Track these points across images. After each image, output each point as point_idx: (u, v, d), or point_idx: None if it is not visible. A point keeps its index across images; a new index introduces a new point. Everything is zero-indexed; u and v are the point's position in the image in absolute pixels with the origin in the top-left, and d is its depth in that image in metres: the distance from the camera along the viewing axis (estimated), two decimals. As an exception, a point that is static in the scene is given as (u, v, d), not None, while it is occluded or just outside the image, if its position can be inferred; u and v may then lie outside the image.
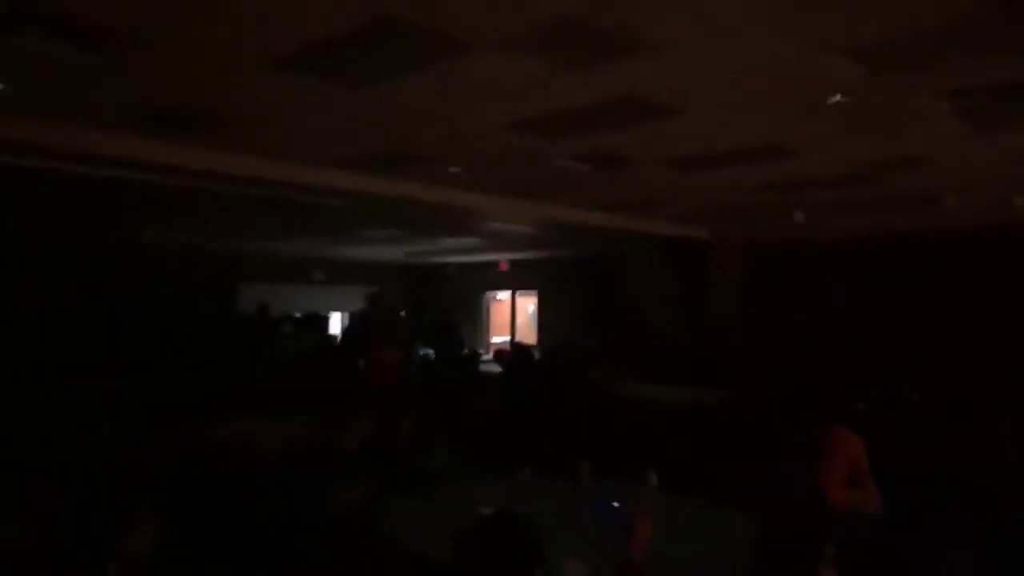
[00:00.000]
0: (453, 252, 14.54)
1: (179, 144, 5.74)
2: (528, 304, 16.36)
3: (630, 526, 1.95)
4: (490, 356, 12.94)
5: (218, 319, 11.66)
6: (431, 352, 11.58)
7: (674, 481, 3.83)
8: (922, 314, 9.91)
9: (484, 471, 3.87)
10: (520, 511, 1.85)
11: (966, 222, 8.47)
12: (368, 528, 2.75)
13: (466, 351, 11.76)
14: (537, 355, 10.04)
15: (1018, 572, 2.70)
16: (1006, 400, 5.70)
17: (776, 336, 11.17)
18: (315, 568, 2.68)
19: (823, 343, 10.67)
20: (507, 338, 15.90)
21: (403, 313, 9.54)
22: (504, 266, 15.62)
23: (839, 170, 6.39)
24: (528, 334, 15.88)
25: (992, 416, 4.29)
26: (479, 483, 3.62)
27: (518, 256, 14.96)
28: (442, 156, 6.09)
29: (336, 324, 16.22)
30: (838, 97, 4.31)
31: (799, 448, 4.51)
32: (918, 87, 4.17)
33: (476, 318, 16.95)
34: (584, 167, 6.43)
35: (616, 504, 2.42)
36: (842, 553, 2.78)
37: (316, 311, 15.17)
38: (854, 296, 10.66)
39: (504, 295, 16.98)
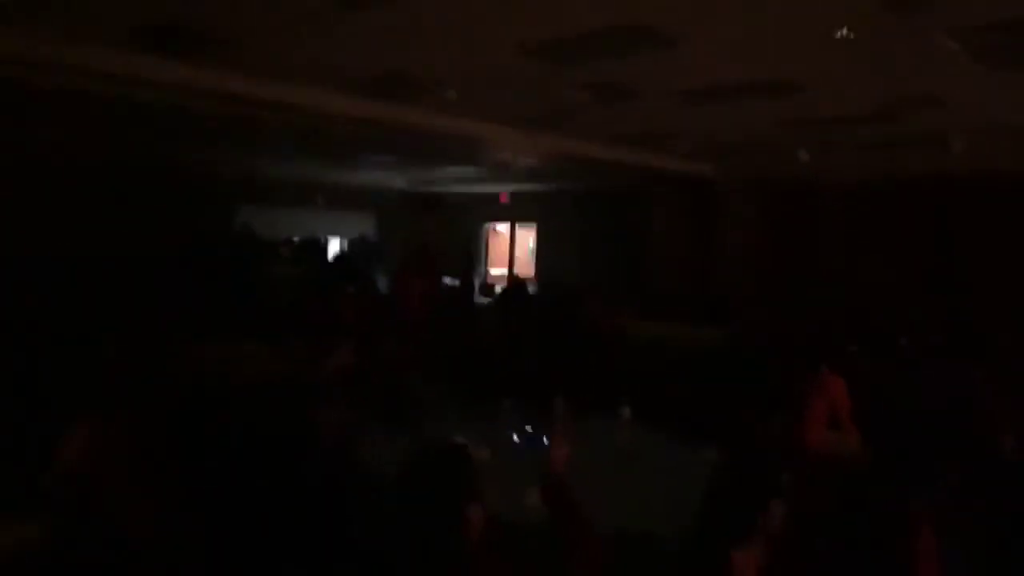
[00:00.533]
0: (455, 181, 14.38)
1: (177, 62, 5.60)
2: (528, 237, 16.27)
3: (550, 447, 2.12)
4: (490, 287, 12.99)
5: (213, 241, 11.61)
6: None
7: (656, 417, 3.86)
8: (928, 259, 9.83)
9: (467, 404, 3.89)
10: (462, 445, 1.89)
11: (974, 166, 8.29)
12: (341, 455, 2.77)
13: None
14: (533, 289, 10.03)
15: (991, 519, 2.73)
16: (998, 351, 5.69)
17: (782, 277, 11.11)
18: (288, 491, 2.70)
19: (828, 286, 10.64)
20: (505, 271, 15.87)
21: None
22: (505, 198, 15.47)
23: (846, 108, 6.23)
24: (527, 267, 15.84)
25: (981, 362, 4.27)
26: (461, 415, 3.63)
27: (520, 188, 14.80)
28: (440, 81, 5.95)
29: (335, 248, 16.22)
30: (845, 31, 4.15)
31: (788, 390, 4.55)
32: (929, 24, 4.01)
33: (475, 249, 16.89)
34: (586, 96, 6.28)
35: (532, 431, 2.81)
36: (808, 493, 2.80)
37: (316, 235, 15.16)
38: (861, 240, 10.55)
39: (504, 227, 16.88)
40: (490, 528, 1.76)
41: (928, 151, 7.50)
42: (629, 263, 12.66)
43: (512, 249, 16.55)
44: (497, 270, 16.66)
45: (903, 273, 9.98)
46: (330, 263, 8.25)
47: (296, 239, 14.90)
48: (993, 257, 9.32)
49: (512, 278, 10.24)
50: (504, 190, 15.29)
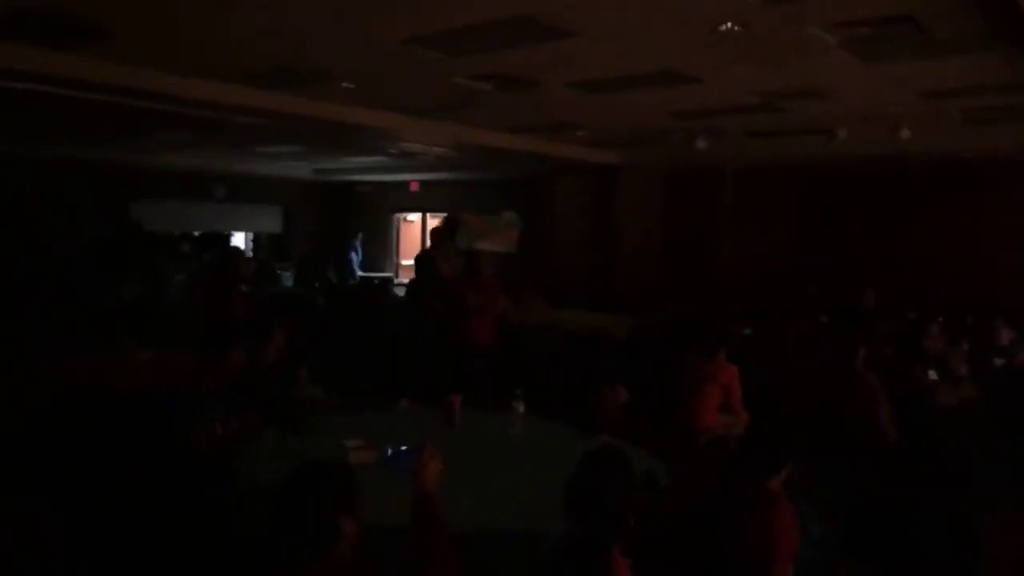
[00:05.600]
0: (362, 171, 14.14)
1: (66, 53, 5.41)
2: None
3: (419, 463, 2.04)
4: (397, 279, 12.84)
5: (103, 239, 11.02)
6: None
7: (554, 407, 3.90)
8: (821, 243, 10.28)
9: (363, 403, 3.83)
10: (337, 461, 1.86)
11: (859, 152, 8.70)
12: (222, 465, 2.67)
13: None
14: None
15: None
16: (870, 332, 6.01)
17: (683, 264, 11.42)
18: (164, 504, 2.60)
19: (726, 271, 11.01)
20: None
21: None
22: (415, 187, 15.31)
23: (738, 98, 6.42)
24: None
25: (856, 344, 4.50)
26: (355, 415, 3.57)
27: (430, 177, 14.67)
28: (334, 71, 5.83)
29: (240, 243, 15.70)
30: (729, 25, 4.26)
31: (681, 375, 4.69)
32: (806, 18, 4.16)
33: (386, 240, 16.66)
34: (486, 86, 6.27)
35: (405, 448, 2.62)
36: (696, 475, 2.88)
37: (217, 230, 14.64)
38: (757, 225, 10.93)
39: (415, 216, 16.70)
40: (364, 538, 1.75)
41: (815, 139, 7.82)
42: (538, 252, 12.74)
43: (424, 239, 16.41)
44: (409, 260, 16.47)
45: (795, 257, 10.42)
46: (227, 258, 7.90)
47: (196, 234, 14.36)
48: (880, 239, 9.85)
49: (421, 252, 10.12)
50: (414, 179, 15.12)
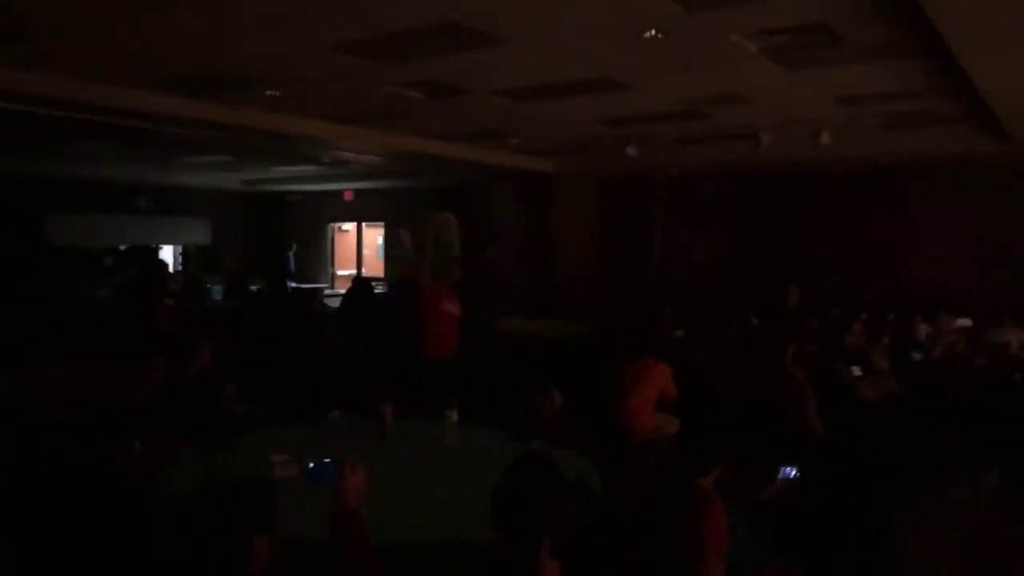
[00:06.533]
0: (294, 180, 13.90)
1: None
2: (377, 236, 15.99)
3: (340, 476, 1.99)
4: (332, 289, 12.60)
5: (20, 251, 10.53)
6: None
7: (493, 416, 3.88)
8: (751, 246, 10.55)
9: (294, 416, 3.74)
10: (257, 477, 1.81)
11: (784, 158, 8.97)
12: (142, 484, 2.57)
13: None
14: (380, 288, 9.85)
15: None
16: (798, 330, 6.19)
17: (618, 268, 11.56)
18: (83, 527, 2.48)
19: (660, 274, 11.20)
20: (353, 271, 15.52)
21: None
22: (349, 196, 15.12)
23: (666, 105, 6.54)
24: (377, 267, 15.57)
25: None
26: (285, 429, 3.48)
27: (365, 186, 14.51)
28: (259, 78, 5.72)
29: (168, 257, 15.23)
30: (654, 32, 4.34)
31: (615, 378, 4.72)
32: (727, 26, 4.27)
33: (320, 250, 16.40)
34: (415, 94, 6.24)
35: (328, 461, 2.51)
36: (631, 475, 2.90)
37: (144, 243, 14.16)
38: (688, 229, 11.16)
39: (350, 226, 16.49)
40: (283, 554, 1.71)
41: (740, 144, 8.02)
42: (474, 259, 12.71)
43: (360, 249, 16.21)
44: (344, 271, 16.25)
45: (726, 260, 10.67)
46: (151, 271, 7.61)
47: (122, 248, 13.86)
48: (807, 241, 10.15)
49: (355, 279, 9.99)
50: (348, 188, 14.92)
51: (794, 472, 3.21)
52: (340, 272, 16.35)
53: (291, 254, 14.30)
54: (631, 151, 8.33)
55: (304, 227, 16.25)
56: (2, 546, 2.66)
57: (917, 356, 5.85)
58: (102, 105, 6.18)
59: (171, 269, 14.69)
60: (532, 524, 1.83)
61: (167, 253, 15.44)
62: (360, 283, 9.09)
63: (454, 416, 3.40)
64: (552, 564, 1.81)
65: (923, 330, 6.48)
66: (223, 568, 1.65)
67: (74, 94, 5.92)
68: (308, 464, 2.63)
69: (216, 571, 1.66)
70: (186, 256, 15.80)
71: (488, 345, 6.88)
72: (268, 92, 6.08)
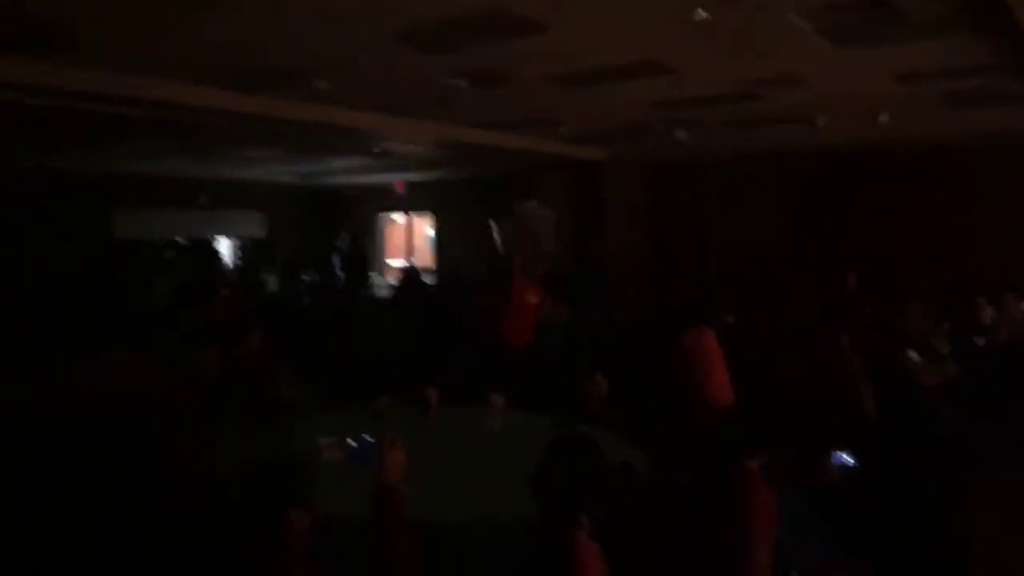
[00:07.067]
0: (346, 172, 14.08)
1: (28, 58, 5.31)
2: (427, 227, 16.12)
3: (382, 456, 1.99)
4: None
5: (89, 247, 10.93)
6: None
7: (540, 402, 3.88)
8: (807, 231, 10.30)
9: (345, 401, 3.80)
10: (294, 455, 1.86)
11: (840, 139, 8.72)
12: (201, 477, 2.64)
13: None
14: (431, 279, 9.94)
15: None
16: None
17: (674, 256, 11.43)
18: (147, 517, 2.56)
19: (712, 261, 11.03)
20: (403, 262, 15.68)
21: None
22: (401, 187, 15.25)
23: (717, 88, 6.41)
24: (427, 257, 15.70)
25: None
26: (335, 414, 3.55)
27: (416, 177, 14.63)
28: (309, 71, 5.79)
29: (225, 249, 15.61)
30: (702, 13, 4.25)
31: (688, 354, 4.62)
32: (782, 5, 4.15)
33: (372, 241, 16.61)
34: (463, 83, 6.24)
35: (370, 439, 2.50)
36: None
37: (202, 236, 14.55)
38: (741, 215, 10.95)
39: (401, 217, 16.65)
40: (317, 531, 1.75)
41: (795, 126, 7.83)
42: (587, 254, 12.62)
43: (410, 239, 16.36)
44: (396, 260, 16.42)
45: (781, 245, 10.44)
46: (209, 264, 7.81)
47: (181, 240, 14.26)
48: (866, 225, 9.87)
49: (405, 270, 10.09)
50: (399, 179, 15.07)
51: (849, 458, 3.14)
52: (391, 262, 16.53)
53: (340, 245, 14.49)
54: (680, 136, 8.20)
55: (356, 218, 16.46)
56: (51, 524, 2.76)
57: (981, 341, 5.63)
58: (152, 99, 6.27)
59: (228, 262, 15.09)
60: (570, 504, 1.82)
61: (224, 246, 15.82)
62: (408, 274, 9.21)
63: (500, 401, 3.41)
64: (590, 544, 1.80)
65: (988, 314, 6.23)
66: (261, 541, 1.70)
67: (125, 90, 6.02)
68: (352, 443, 2.67)
69: (254, 544, 1.71)
70: (243, 249, 16.16)
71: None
72: (318, 84, 6.15)
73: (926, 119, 7.52)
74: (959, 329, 5.76)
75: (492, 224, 5.58)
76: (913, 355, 4.79)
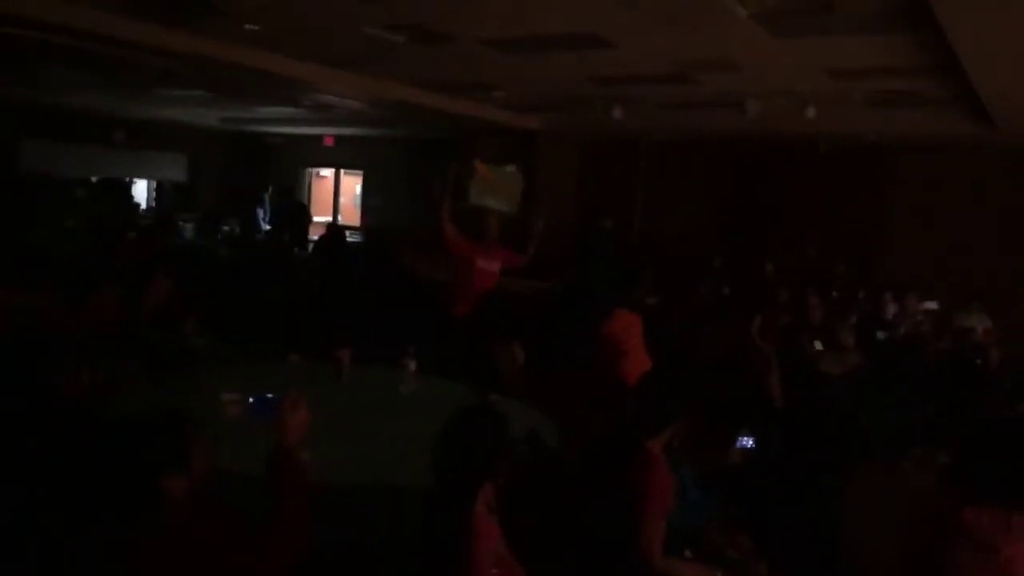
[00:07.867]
0: (273, 122, 13.61)
1: None
2: (354, 184, 15.77)
3: (279, 415, 1.92)
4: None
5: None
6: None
7: (450, 366, 3.86)
8: (730, 216, 10.54)
9: (253, 357, 3.70)
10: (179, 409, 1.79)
11: (769, 129, 8.91)
12: (88, 415, 2.51)
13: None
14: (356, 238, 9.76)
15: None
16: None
17: (597, 230, 11.49)
18: (24, 456, 2.42)
19: (645, 239, 11.18)
20: (329, 218, 15.34)
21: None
22: (330, 141, 14.86)
23: (653, 67, 6.44)
24: (353, 215, 15.40)
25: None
26: (242, 369, 3.44)
27: (346, 132, 14.26)
28: (239, 11, 5.52)
29: (141, 192, 14.94)
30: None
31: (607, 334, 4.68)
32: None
33: (299, 195, 16.15)
34: (398, 38, 6.07)
35: (270, 397, 2.44)
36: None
37: (117, 176, 13.87)
38: (674, 197, 11.11)
39: (328, 172, 16.23)
40: (201, 492, 1.69)
41: (726, 112, 7.94)
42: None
43: (336, 196, 15.99)
44: (321, 217, 16.04)
45: (706, 227, 10.66)
46: (121, 205, 7.40)
47: (94, 179, 13.56)
48: (786, 215, 10.16)
49: (329, 226, 9.88)
50: (329, 134, 14.66)
51: (750, 442, 3.23)
52: (317, 219, 16.13)
53: (266, 196, 14.03)
54: (616, 113, 8.23)
55: (282, 171, 15.96)
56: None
57: (882, 335, 5.90)
58: (72, 27, 5.93)
59: (144, 205, 14.44)
60: (470, 476, 1.81)
61: (141, 188, 15.13)
62: (332, 231, 9.01)
63: (412, 365, 3.38)
64: (487, 517, 1.79)
65: (891, 309, 6.53)
66: (134, 510, 1.64)
67: (44, 14, 5.68)
68: (250, 400, 2.59)
69: (128, 512, 1.64)
70: (160, 192, 15.49)
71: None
72: (247, 26, 5.88)
73: (851, 117, 7.74)
74: (865, 322, 6.02)
75: (448, 171, 5.38)
76: (817, 344, 4.98)
